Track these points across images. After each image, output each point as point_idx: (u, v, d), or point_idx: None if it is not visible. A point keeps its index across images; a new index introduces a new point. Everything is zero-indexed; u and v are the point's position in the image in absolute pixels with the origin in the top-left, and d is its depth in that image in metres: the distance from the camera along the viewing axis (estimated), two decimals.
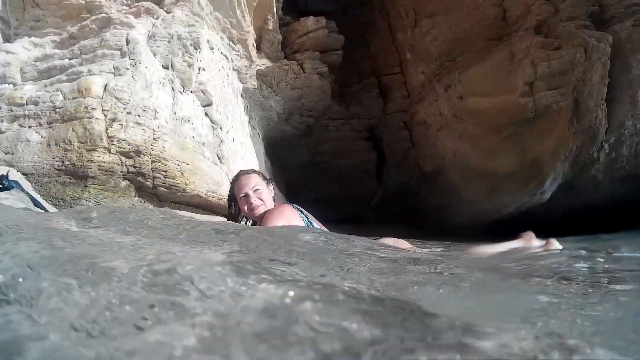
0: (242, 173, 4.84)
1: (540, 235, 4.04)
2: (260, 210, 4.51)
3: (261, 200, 4.56)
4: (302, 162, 18.49)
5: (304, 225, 4.25)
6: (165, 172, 9.93)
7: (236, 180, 4.81)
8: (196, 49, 11.26)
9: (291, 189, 17.66)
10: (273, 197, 4.85)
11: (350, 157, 19.18)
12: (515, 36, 13.87)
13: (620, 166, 13.99)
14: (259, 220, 4.53)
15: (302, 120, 17.73)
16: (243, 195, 4.68)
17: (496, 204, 14.99)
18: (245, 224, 4.78)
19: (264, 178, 4.81)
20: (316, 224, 4.40)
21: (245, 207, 4.71)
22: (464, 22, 15.18)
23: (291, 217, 4.24)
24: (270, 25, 14.76)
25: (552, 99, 13.05)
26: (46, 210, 7.85)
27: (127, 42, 10.27)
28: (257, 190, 4.58)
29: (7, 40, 11.41)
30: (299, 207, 4.48)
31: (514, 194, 14.50)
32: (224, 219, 11.41)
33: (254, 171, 4.89)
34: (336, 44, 16.77)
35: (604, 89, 12.91)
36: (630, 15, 13.10)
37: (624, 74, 13.07)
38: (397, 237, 4.76)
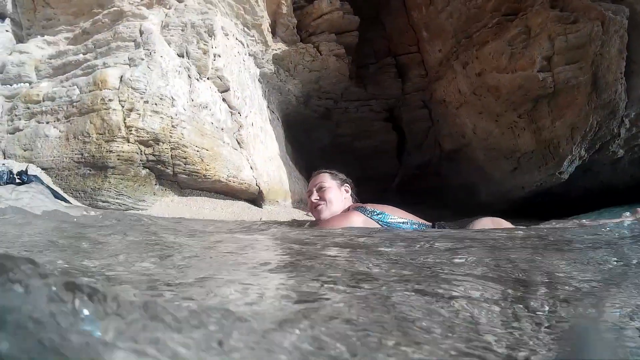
0: (315, 172, 4.86)
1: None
2: (321, 209, 4.50)
3: (324, 199, 4.54)
4: (322, 144, 18.51)
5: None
6: (185, 158, 10.04)
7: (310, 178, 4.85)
8: (210, 36, 11.30)
9: (312, 172, 17.72)
10: (354, 199, 4.80)
11: (371, 138, 19.16)
12: (530, 11, 13.69)
13: None
14: (318, 220, 4.55)
15: (321, 103, 17.74)
16: (308, 192, 4.71)
17: (519, 182, 14.98)
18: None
19: (338, 178, 4.77)
20: (401, 219, 4.31)
21: (308, 204, 4.76)
22: None
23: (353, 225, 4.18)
24: (284, 9, 14.74)
25: (570, 74, 12.93)
26: (67, 202, 8.02)
27: (141, 33, 10.35)
28: (322, 188, 4.58)
29: (19, 41, 11.61)
30: (372, 209, 4.35)
31: (533, 173, 14.48)
32: (246, 204, 11.55)
33: (328, 171, 4.87)
34: (351, 25, 16.70)
35: (622, 63, 12.78)
36: None
37: None
38: (492, 217, 4.75)
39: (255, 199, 12.53)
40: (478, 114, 15.67)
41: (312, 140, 18.07)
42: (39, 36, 11.30)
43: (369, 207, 4.31)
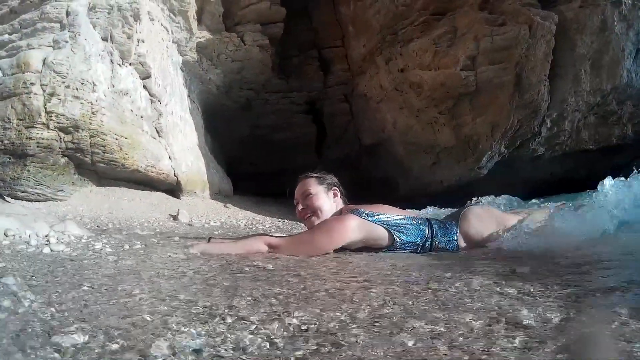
0: (300, 177, 4.61)
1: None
2: (312, 221, 4.28)
3: (312, 208, 4.32)
4: (242, 135, 18.40)
5: (357, 237, 3.96)
6: (104, 147, 9.83)
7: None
8: (136, 20, 11.07)
9: (232, 163, 17.59)
10: (344, 202, 4.59)
11: (291, 130, 19.17)
12: (459, 12, 14.07)
13: (562, 141, 14.56)
14: (310, 227, 4.33)
15: (242, 94, 17.63)
16: (294, 200, 4.50)
17: (438, 176, 15.35)
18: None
19: (325, 183, 4.51)
20: (397, 217, 4.14)
21: (297, 214, 4.55)
22: None
23: (342, 233, 3.92)
24: None
25: (493, 74, 13.45)
26: None
27: (67, 14, 9.99)
28: (308, 196, 4.35)
29: None
30: (368, 211, 4.13)
31: (452, 168, 14.86)
32: (164, 195, 11.35)
33: (314, 174, 4.58)
34: (278, 16, 16.66)
35: (547, 66, 13.39)
36: None
37: (569, 52, 13.63)
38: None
39: (174, 189, 12.38)
40: (399, 109, 15.95)
41: (231, 131, 17.93)
42: None
43: (363, 208, 4.13)
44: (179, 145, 12.71)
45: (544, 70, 13.47)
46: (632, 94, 14.80)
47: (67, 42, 9.70)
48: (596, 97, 14.40)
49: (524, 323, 1.50)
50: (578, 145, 14.87)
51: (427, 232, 4.09)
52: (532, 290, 2.00)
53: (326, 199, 4.40)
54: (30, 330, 1.51)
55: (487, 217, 4.30)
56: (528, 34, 13.12)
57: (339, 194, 4.59)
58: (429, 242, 4.06)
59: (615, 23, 13.95)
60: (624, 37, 14.24)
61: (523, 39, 13.13)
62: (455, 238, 4.08)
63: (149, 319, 1.66)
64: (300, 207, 4.43)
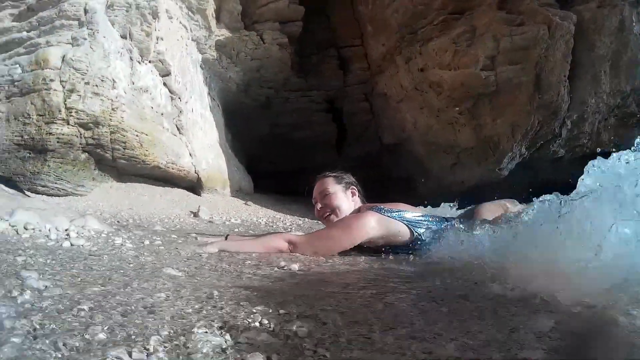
0: (318, 177, 4.60)
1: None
2: (331, 219, 4.28)
3: (330, 207, 4.31)
4: (262, 134, 18.38)
5: (376, 233, 3.92)
6: (124, 143, 9.85)
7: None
8: (154, 18, 11.07)
9: (252, 162, 17.58)
10: (362, 201, 4.58)
11: (310, 129, 19.10)
12: (477, 10, 13.92)
13: (583, 143, 14.38)
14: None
15: (261, 92, 17.61)
16: (313, 199, 4.49)
17: (459, 177, 15.23)
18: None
19: (343, 182, 4.50)
20: (417, 214, 4.11)
21: (315, 213, 4.53)
22: None
23: (362, 229, 3.87)
24: None
25: (513, 74, 13.27)
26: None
27: (85, 11, 10.03)
28: (326, 196, 4.35)
29: None
30: (387, 208, 4.09)
31: (472, 168, 14.74)
32: (185, 192, 11.39)
33: (332, 174, 4.57)
34: (296, 15, 16.61)
35: (566, 66, 13.21)
36: None
37: (587, 53, 13.43)
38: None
39: (194, 186, 12.37)
40: (419, 109, 15.83)
41: (251, 129, 17.91)
42: None
43: (383, 206, 4.08)
44: (200, 143, 12.72)
45: (563, 70, 13.29)
46: None
47: (85, 39, 9.74)
48: (616, 98, 14.19)
49: None
50: (598, 147, 14.70)
51: (447, 225, 4.05)
52: None
53: (344, 197, 4.39)
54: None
55: (497, 209, 4.28)
56: (547, 34, 12.95)
57: (357, 192, 4.57)
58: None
59: (634, 23, 13.76)
60: None
61: (542, 39, 12.96)
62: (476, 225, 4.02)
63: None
64: (318, 206, 4.41)
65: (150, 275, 2.57)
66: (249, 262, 3.43)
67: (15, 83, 9.26)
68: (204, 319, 1.67)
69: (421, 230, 3.98)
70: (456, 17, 14.43)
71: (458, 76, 13.99)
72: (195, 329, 1.54)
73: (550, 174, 14.79)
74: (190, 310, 1.80)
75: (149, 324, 1.56)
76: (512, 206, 4.51)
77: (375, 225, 3.87)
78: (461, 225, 3.98)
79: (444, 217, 4.27)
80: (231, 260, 3.45)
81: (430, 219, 4.09)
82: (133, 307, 1.78)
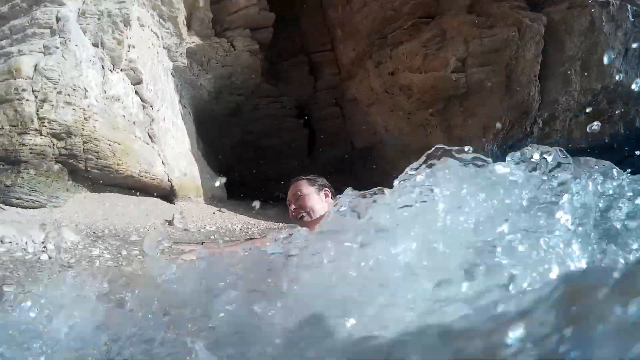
0: (292, 180, 4.62)
1: None
2: (305, 219, 4.30)
3: (303, 208, 4.33)
4: (233, 141, 18.35)
5: None
6: (97, 152, 9.78)
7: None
8: (126, 26, 11.03)
9: (224, 169, 17.53)
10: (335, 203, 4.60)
11: (281, 135, 19.10)
12: (447, 14, 14.09)
13: (555, 140, 14.52)
14: (304, 226, 4.33)
15: (232, 99, 17.60)
16: (287, 201, 4.53)
17: None
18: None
19: (316, 184, 4.53)
20: None
21: (290, 214, 4.57)
22: (395, 0, 15.24)
23: None
24: (201, 3, 14.49)
25: (484, 75, 13.43)
26: None
27: (57, 19, 9.94)
28: (299, 197, 4.37)
29: None
30: None
31: None
32: (159, 200, 11.32)
33: (305, 177, 4.59)
34: (267, 21, 16.64)
35: (537, 67, 13.41)
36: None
37: (558, 54, 13.61)
38: None
39: (168, 194, 12.30)
40: (389, 112, 15.93)
41: (223, 137, 17.88)
42: None
43: None
44: (172, 151, 12.66)
45: (534, 71, 13.51)
46: (622, 93, 14.79)
47: (57, 47, 9.65)
48: (587, 96, 14.40)
49: None
50: (570, 144, 14.88)
51: None
52: None
53: (318, 199, 4.41)
54: None
55: None
56: (517, 35, 13.15)
57: (330, 194, 4.62)
58: None
59: (604, 23, 13.98)
60: (613, 37, 14.26)
61: (512, 40, 13.17)
62: None
63: None
64: (292, 207, 4.44)
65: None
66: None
67: None
68: None
69: None
70: (426, 21, 14.58)
71: (428, 79, 14.12)
72: None
73: None
74: None
75: None
76: None
77: None
78: None
79: None
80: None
81: None
82: None
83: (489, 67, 13.40)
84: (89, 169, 9.78)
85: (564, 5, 13.76)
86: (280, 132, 19.00)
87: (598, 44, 13.94)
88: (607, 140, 14.52)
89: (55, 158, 9.25)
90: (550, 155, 1.71)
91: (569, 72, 13.85)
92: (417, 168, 1.80)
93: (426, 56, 14.19)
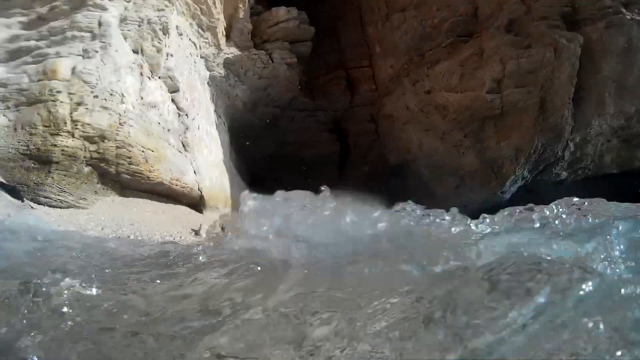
0: None
1: None
2: None
3: None
4: (267, 152, 18.38)
5: None
6: (129, 158, 9.83)
7: None
8: (165, 34, 11.12)
9: (256, 180, 17.56)
10: None
11: (315, 148, 19.12)
12: (485, 33, 14.02)
13: (585, 165, 14.27)
14: None
15: (268, 111, 17.66)
16: None
17: (463, 200, 15.14)
18: None
19: None
20: None
21: None
22: (434, 17, 15.26)
23: None
24: (241, 14, 14.60)
25: (519, 97, 13.30)
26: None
27: (100, 24, 10.00)
28: None
29: None
30: None
31: (476, 191, 14.69)
32: (187, 209, 11.37)
33: None
34: (306, 35, 16.70)
35: (571, 89, 13.15)
36: (603, 17, 13.31)
37: (593, 75, 13.34)
38: None
39: (197, 203, 12.31)
40: (424, 131, 15.87)
41: (256, 148, 17.91)
42: None
43: None
44: (204, 160, 12.70)
45: (568, 93, 13.25)
46: None
47: (97, 52, 9.71)
48: (620, 120, 14.09)
49: None
50: (601, 170, 14.58)
51: None
52: None
53: None
54: None
55: None
56: (553, 56, 12.96)
57: None
58: None
59: None
60: None
61: (548, 61, 12.98)
62: None
63: None
64: None
65: None
66: None
67: (23, 92, 9.20)
68: None
69: None
70: (464, 40, 14.54)
71: (464, 99, 14.07)
72: None
73: (552, 197, 14.67)
74: None
75: None
76: None
77: None
78: None
79: None
80: None
81: None
82: None
83: (525, 88, 13.25)
84: (120, 173, 9.81)
85: (601, 24, 13.50)
86: (314, 146, 19.02)
87: (634, 65, 13.64)
88: (638, 165, 14.20)
89: (86, 161, 9.29)
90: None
91: (603, 95, 13.58)
92: None
93: (463, 75, 14.15)
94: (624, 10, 13.24)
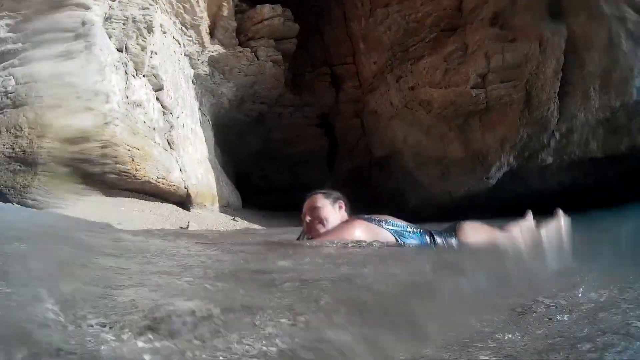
0: (308, 195, 4.73)
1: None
2: (318, 227, 4.38)
3: (318, 218, 4.43)
4: (253, 149, 18.45)
5: (364, 239, 4.06)
6: (115, 157, 9.83)
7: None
8: (149, 32, 11.13)
9: (242, 177, 17.59)
10: (349, 215, 4.69)
11: (302, 144, 19.18)
12: (469, 27, 14.00)
13: (571, 151, 14.31)
14: (316, 238, 4.43)
15: (254, 107, 17.70)
16: (302, 215, 4.60)
17: (447, 187, 15.20)
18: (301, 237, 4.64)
19: (331, 197, 4.64)
20: (400, 223, 4.24)
21: (304, 227, 4.64)
22: (418, 12, 15.22)
23: (350, 234, 4.03)
24: (225, 12, 14.59)
25: (504, 91, 13.29)
26: None
27: (83, 23, 9.95)
28: (315, 209, 4.46)
29: None
30: (373, 217, 4.23)
31: (461, 179, 14.73)
32: (174, 207, 11.34)
33: (320, 191, 4.73)
34: (291, 32, 16.73)
35: (556, 83, 13.15)
36: (585, 9, 13.33)
37: (578, 70, 13.36)
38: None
39: (184, 201, 12.34)
40: (409, 126, 15.85)
41: (242, 145, 17.97)
42: None
43: (369, 215, 4.23)
44: (190, 158, 12.73)
45: (553, 87, 13.24)
46: None
47: (81, 52, 9.70)
48: (605, 113, 14.15)
49: None
50: (586, 155, 14.60)
51: (428, 239, 4.17)
52: None
53: (332, 210, 4.51)
54: None
55: (479, 229, 4.40)
56: (538, 50, 12.98)
57: (344, 206, 4.71)
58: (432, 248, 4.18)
59: (622, 39, 13.71)
60: (632, 54, 13.95)
61: (533, 56, 12.99)
62: (454, 246, 4.17)
63: None
64: (307, 219, 4.51)
65: None
66: None
67: (9, 95, 9.21)
68: None
69: (406, 240, 4.10)
70: (448, 34, 14.54)
71: (448, 94, 14.08)
72: None
73: (538, 182, 14.78)
74: None
75: None
76: (501, 233, 4.55)
77: (364, 230, 3.99)
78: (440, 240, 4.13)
79: (426, 229, 4.38)
80: None
81: (415, 229, 4.21)
82: None
83: (510, 82, 13.27)
84: (105, 173, 9.82)
85: (583, 16, 13.52)
86: (301, 141, 19.09)
87: (617, 61, 13.72)
88: (624, 151, 14.27)
89: (70, 161, 9.28)
90: None
91: (588, 89, 13.63)
92: None
93: (447, 71, 14.15)
94: (602, 5, 13.29)
